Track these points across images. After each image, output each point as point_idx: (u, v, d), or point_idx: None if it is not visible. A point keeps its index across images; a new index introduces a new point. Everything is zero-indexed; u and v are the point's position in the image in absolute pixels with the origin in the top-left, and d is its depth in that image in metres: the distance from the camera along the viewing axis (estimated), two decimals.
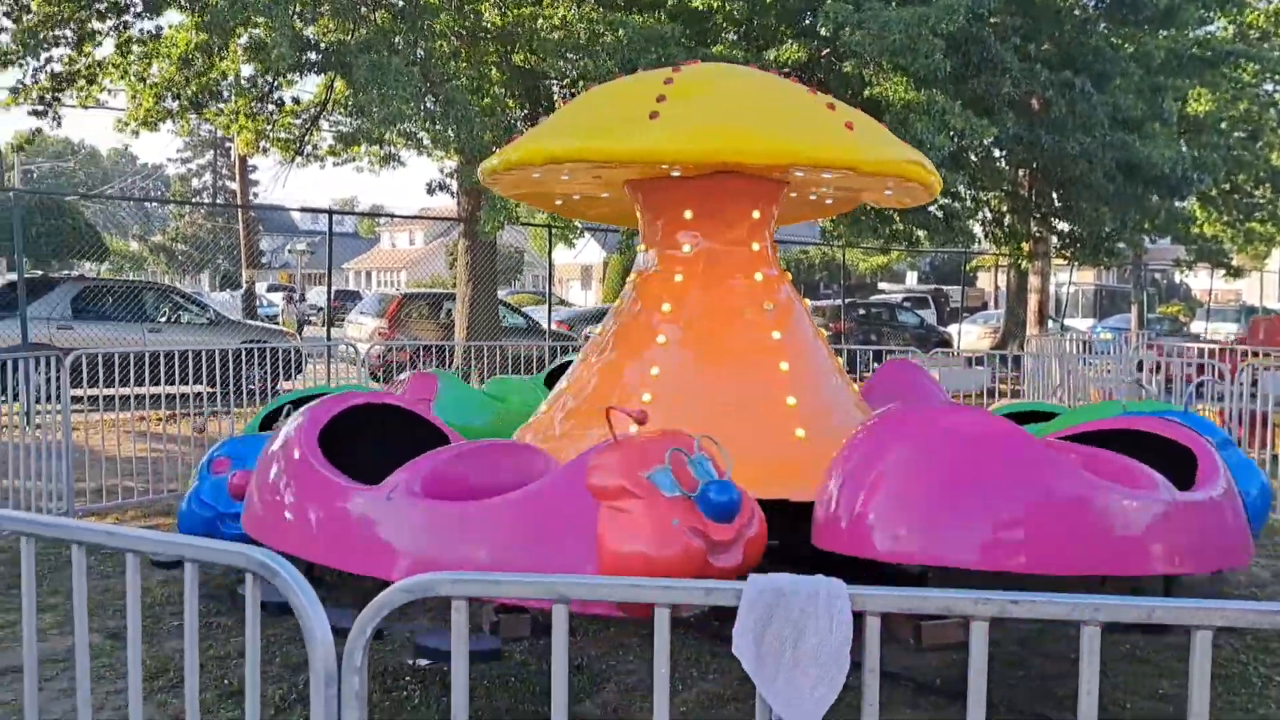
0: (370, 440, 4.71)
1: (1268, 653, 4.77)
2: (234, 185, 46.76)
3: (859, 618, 1.55)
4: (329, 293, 14.89)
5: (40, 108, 13.43)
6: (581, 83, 11.51)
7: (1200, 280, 34.28)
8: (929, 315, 28.10)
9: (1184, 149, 15.87)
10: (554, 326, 18.46)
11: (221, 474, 5.34)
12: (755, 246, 5.22)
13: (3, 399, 7.22)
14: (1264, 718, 4.06)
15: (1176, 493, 3.83)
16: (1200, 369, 11.16)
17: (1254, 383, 9.28)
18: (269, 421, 6.02)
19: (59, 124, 13.92)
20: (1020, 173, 17.66)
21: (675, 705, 4.07)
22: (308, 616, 1.54)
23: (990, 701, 4.35)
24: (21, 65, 12.75)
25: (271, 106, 15.09)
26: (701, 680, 4.37)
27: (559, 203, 6.62)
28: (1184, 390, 11.52)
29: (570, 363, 5.88)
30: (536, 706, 4.08)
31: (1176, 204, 18.27)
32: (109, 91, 14.26)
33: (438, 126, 9.94)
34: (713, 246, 5.19)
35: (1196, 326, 31.15)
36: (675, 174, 5.14)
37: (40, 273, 16.32)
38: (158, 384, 9.32)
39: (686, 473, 3.42)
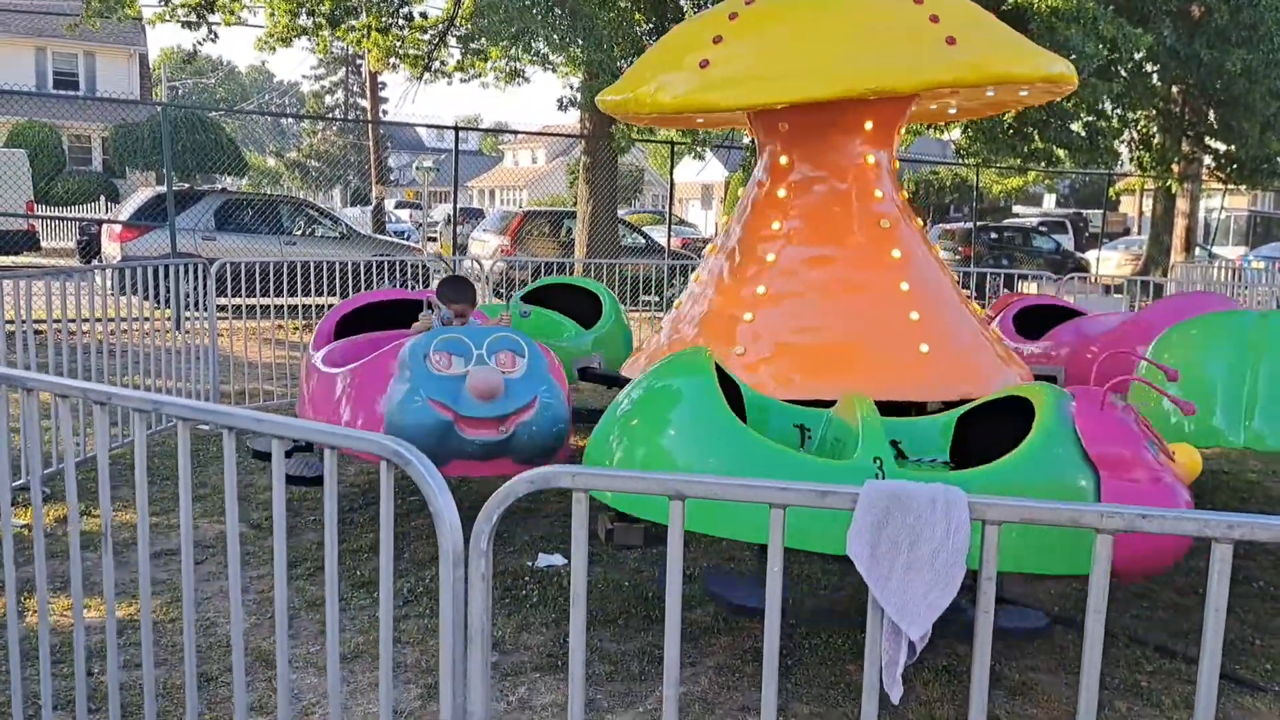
0: None
1: None
2: (364, 102, 47.78)
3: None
4: (454, 209, 15.16)
5: (193, 19, 13.94)
6: None
7: None
8: (1066, 240, 26.80)
9: None
10: (675, 246, 18.38)
11: None
12: (862, 160, 5.04)
13: (156, 305, 7.65)
14: None
15: None
16: None
17: None
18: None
19: (215, 38, 14.46)
20: (1173, 89, 16.51)
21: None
22: (437, 502, 1.61)
23: (1111, 631, 4.27)
24: None
25: (401, 21, 15.27)
26: (814, 594, 4.42)
27: (700, 120, 6.67)
28: None
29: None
30: (648, 611, 4.20)
31: None
32: (249, 9, 14.69)
33: (564, 40, 9.89)
34: (817, 165, 5.06)
35: None
36: None
37: (186, 185, 17.10)
38: (294, 294, 9.72)
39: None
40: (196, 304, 8.12)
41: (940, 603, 1.54)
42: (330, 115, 56.40)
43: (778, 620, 1.61)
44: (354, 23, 15.31)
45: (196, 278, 7.75)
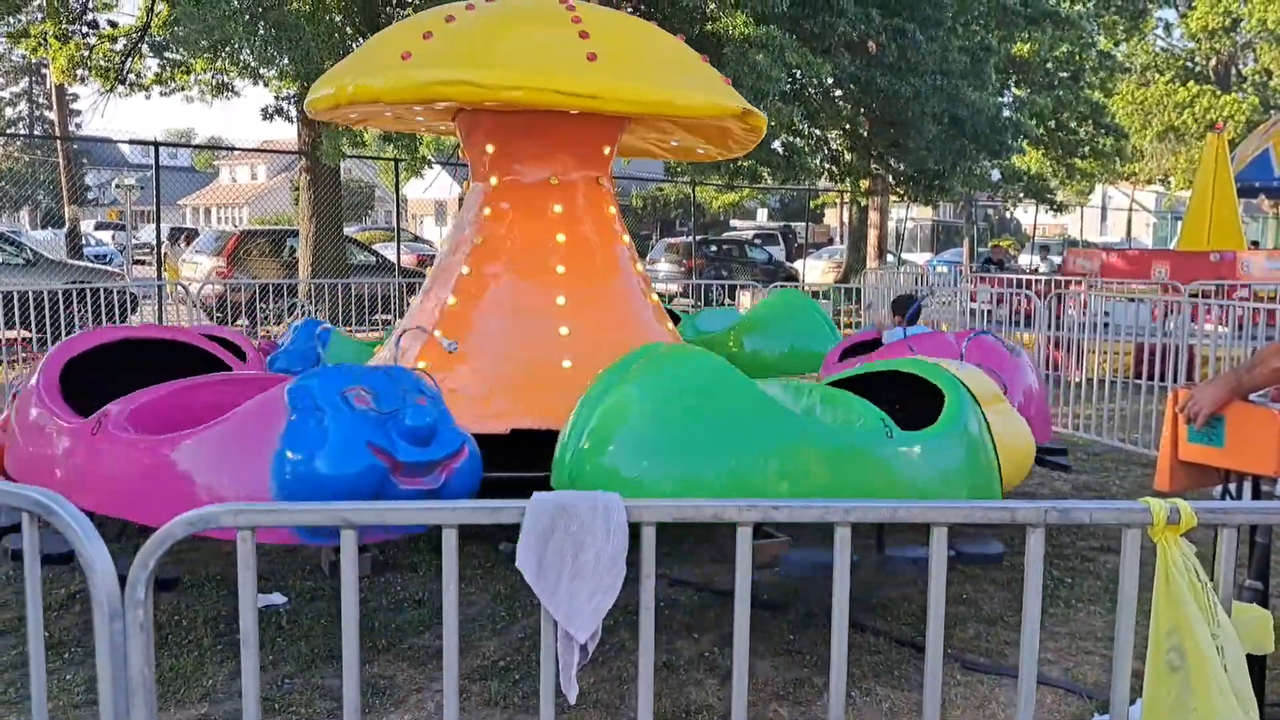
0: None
1: (1061, 558, 5.25)
2: (52, 115, 43.26)
3: (635, 528, 1.64)
4: (157, 230, 14.11)
5: None
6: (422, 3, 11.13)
7: (1030, 216, 36.21)
8: (778, 251, 28.77)
9: (1008, 98, 16.52)
10: (409, 262, 18.05)
11: None
12: (554, 181, 5.14)
13: None
14: (1051, 614, 4.47)
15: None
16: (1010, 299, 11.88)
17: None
18: None
19: None
20: (860, 112, 18.16)
21: (507, 635, 4.19)
22: (86, 551, 1.52)
23: (811, 610, 4.61)
24: None
25: (85, 29, 14.03)
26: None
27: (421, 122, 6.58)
28: (1009, 316, 12.25)
29: None
30: (374, 641, 4.12)
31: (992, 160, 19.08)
32: None
33: (270, 51, 9.45)
34: (515, 180, 5.16)
35: (1024, 260, 32.94)
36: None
37: None
38: None
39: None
40: None
41: (604, 604, 1.64)
42: (11, 130, 50.72)
43: (454, 631, 1.64)
44: (24, 22, 13.85)
45: None
